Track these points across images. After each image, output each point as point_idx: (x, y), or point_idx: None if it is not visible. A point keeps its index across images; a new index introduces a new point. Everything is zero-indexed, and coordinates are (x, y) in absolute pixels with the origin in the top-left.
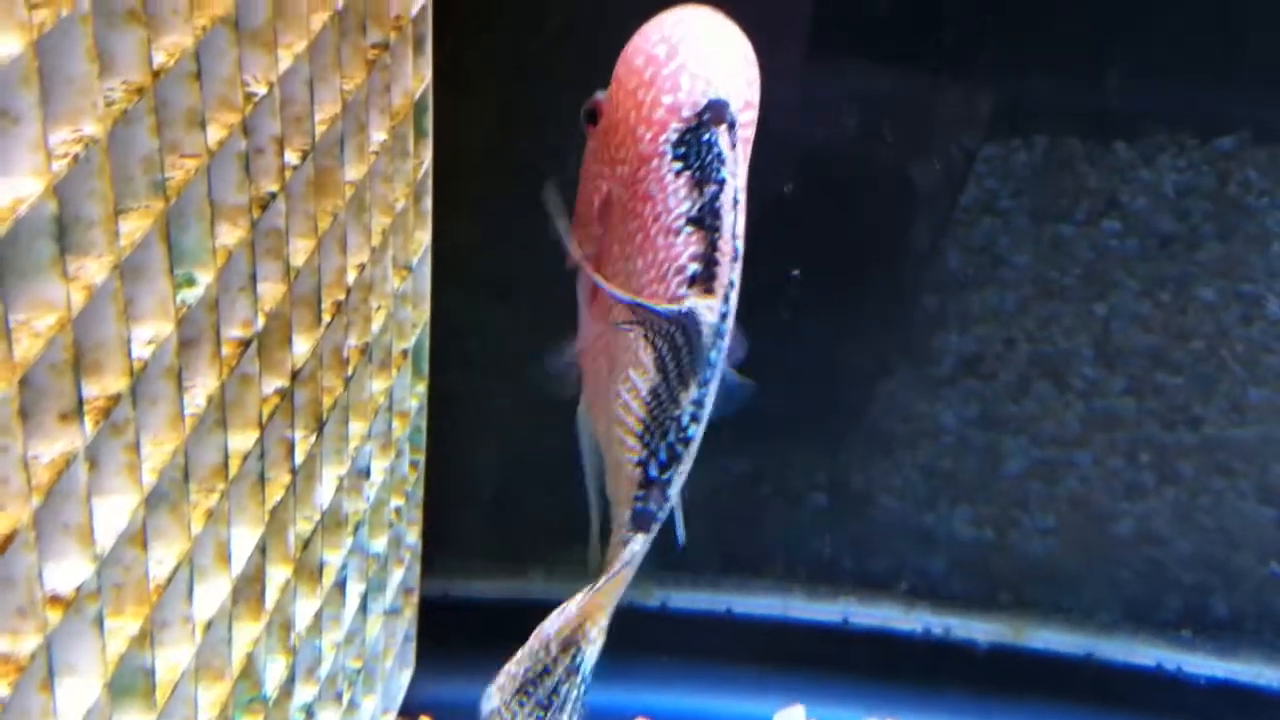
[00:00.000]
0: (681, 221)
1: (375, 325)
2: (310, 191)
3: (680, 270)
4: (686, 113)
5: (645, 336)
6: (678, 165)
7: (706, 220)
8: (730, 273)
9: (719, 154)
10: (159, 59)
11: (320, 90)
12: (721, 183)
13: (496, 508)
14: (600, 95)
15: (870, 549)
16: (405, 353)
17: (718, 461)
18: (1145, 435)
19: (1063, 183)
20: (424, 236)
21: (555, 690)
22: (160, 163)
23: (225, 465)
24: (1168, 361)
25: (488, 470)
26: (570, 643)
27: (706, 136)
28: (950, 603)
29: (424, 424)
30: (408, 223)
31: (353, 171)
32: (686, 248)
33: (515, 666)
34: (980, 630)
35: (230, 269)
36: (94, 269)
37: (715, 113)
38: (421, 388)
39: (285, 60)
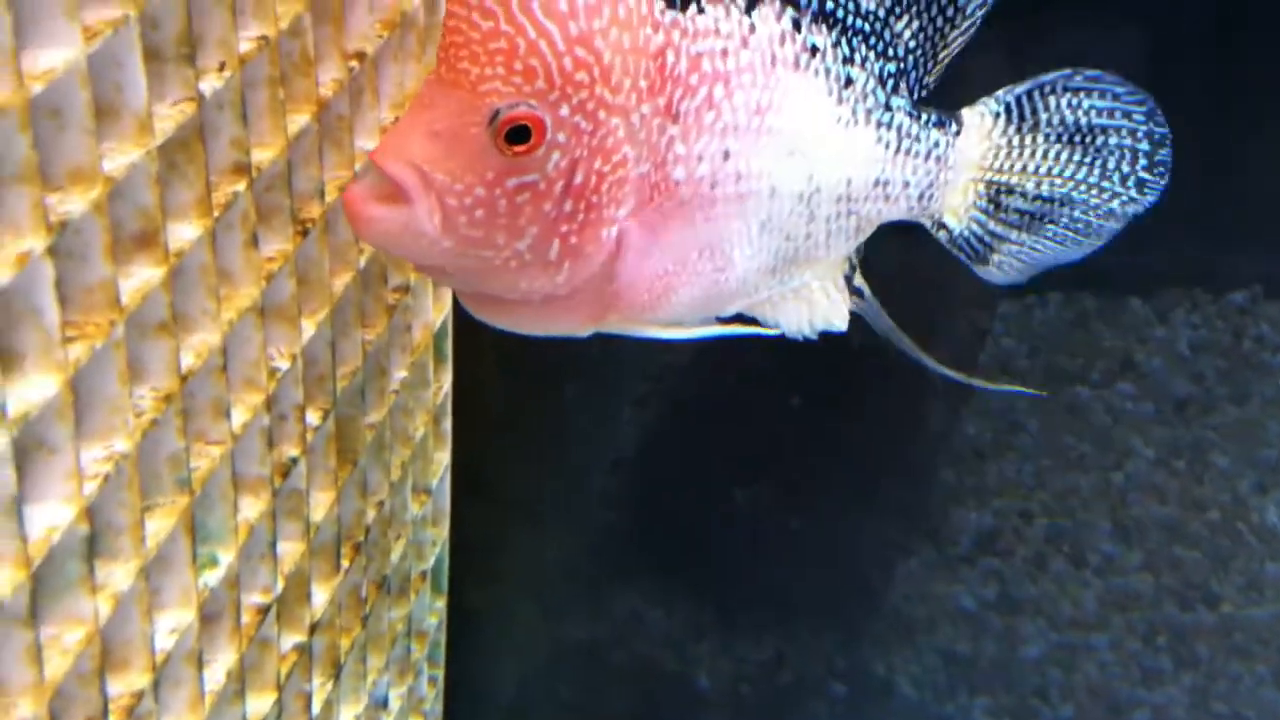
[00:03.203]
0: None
1: (394, 556)
2: (330, 446)
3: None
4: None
5: None
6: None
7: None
8: None
9: None
10: (188, 361)
11: (342, 346)
12: None
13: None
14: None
15: None
16: (424, 574)
17: (738, 649)
18: (1163, 616)
19: (1076, 341)
20: (444, 456)
21: None
22: (186, 459)
23: None
24: (1184, 535)
25: (506, 681)
26: None
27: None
28: None
29: (443, 638)
30: (427, 448)
31: (374, 415)
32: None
33: None
34: None
35: (251, 541)
36: (121, 575)
37: None
38: (440, 603)
39: (308, 330)
